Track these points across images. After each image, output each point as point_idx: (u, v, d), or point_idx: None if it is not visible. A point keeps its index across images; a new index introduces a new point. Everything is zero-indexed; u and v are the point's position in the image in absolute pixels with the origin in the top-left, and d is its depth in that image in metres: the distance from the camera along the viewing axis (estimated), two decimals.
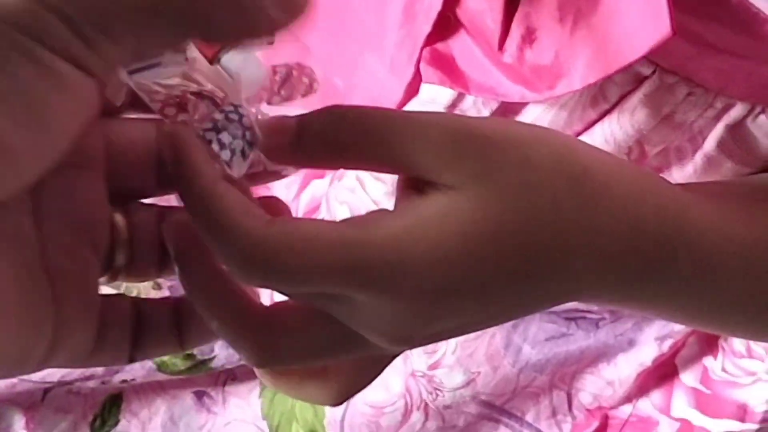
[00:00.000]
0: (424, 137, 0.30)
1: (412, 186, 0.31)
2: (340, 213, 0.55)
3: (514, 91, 0.45)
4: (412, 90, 0.47)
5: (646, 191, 0.33)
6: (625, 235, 0.32)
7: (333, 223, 0.30)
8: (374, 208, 0.35)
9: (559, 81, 0.43)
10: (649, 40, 0.40)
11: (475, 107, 0.47)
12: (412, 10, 0.46)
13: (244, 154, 0.32)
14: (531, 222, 0.30)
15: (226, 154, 0.31)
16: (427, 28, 0.46)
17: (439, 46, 0.46)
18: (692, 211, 0.34)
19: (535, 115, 0.46)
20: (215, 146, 0.31)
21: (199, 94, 0.32)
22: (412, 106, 0.48)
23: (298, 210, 0.59)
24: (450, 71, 0.46)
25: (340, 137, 0.30)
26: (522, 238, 0.30)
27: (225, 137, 0.31)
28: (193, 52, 0.31)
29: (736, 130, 0.47)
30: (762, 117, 0.46)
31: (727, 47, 0.42)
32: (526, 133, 0.31)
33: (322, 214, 0.57)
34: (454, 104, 0.47)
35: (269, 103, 0.34)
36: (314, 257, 0.29)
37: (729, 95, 0.45)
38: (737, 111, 0.46)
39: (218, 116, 0.32)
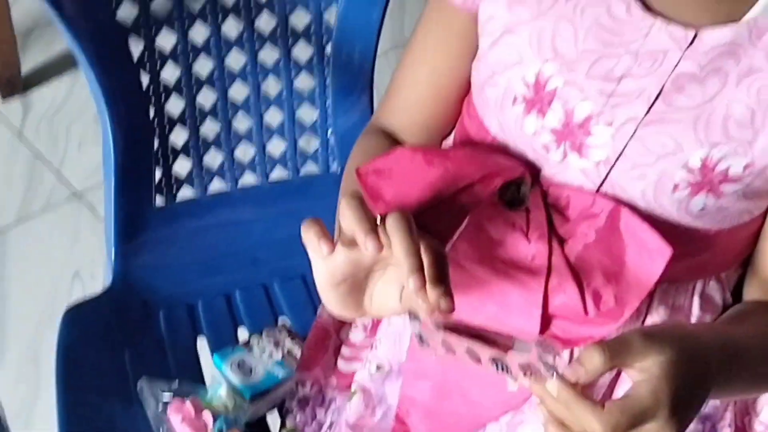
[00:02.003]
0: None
1: None
2: None
3: (605, 331, 0.75)
4: None
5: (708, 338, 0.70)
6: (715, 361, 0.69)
7: None
8: None
9: (624, 310, 0.74)
10: (662, 262, 0.73)
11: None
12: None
13: None
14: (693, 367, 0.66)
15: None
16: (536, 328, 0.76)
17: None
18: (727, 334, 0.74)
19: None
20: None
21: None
22: None
23: None
24: (560, 341, 0.75)
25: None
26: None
27: None
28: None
29: (703, 296, 0.82)
30: (711, 283, 0.82)
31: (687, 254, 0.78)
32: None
33: None
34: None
35: None
36: None
37: (693, 279, 0.82)
38: (699, 285, 0.82)
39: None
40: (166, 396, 1.00)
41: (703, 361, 0.68)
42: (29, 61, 2.13)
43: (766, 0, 0.70)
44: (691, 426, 0.83)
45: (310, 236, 0.66)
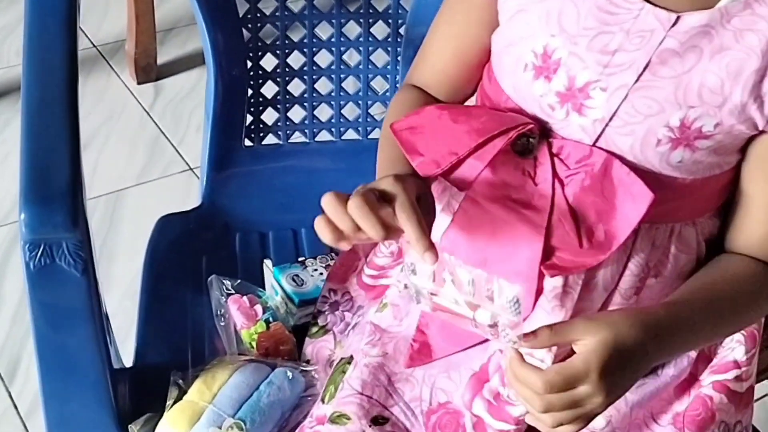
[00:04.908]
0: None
1: None
2: None
3: (596, 261, 0.91)
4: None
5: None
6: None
7: None
8: None
9: (612, 244, 0.90)
10: (645, 205, 0.88)
11: (576, 281, 0.93)
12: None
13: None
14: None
15: None
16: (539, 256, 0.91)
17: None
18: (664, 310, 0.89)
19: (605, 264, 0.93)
20: None
21: None
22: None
23: None
24: (559, 268, 0.91)
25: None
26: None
27: None
28: None
29: (680, 237, 0.95)
30: (686, 227, 0.95)
31: (666, 199, 0.91)
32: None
33: None
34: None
35: None
36: None
37: (671, 222, 0.95)
38: (676, 227, 0.95)
39: None
40: (230, 289, 1.21)
41: (633, 344, 0.84)
42: (165, 55, 2.43)
43: None
44: None
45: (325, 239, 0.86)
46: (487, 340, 0.99)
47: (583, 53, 0.91)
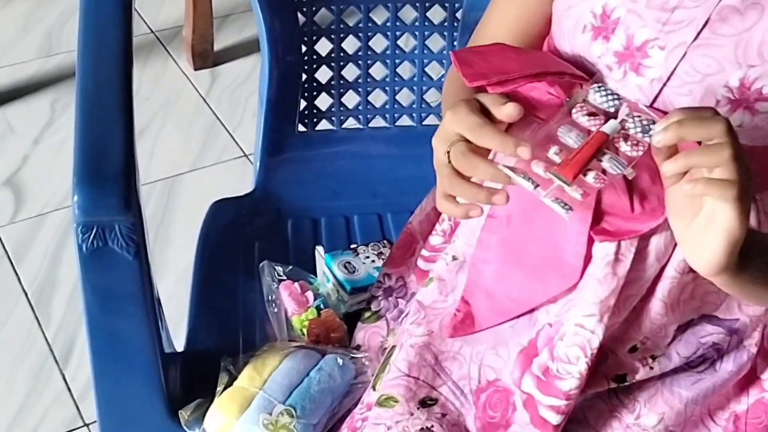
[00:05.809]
0: None
1: None
2: None
3: (647, 227, 0.88)
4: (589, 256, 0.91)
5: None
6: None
7: None
8: None
9: (665, 209, 0.84)
10: None
11: (629, 248, 0.90)
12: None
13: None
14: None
15: None
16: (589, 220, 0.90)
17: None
18: None
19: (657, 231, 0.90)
20: None
21: None
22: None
23: None
24: (609, 234, 0.88)
25: None
26: None
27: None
28: None
29: None
30: None
31: None
32: None
33: None
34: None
35: None
36: None
37: None
38: None
39: None
40: (282, 275, 1.20)
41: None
42: (222, 41, 2.44)
43: None
44: (719, 337, 0.97)
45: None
46: (533, 311, 0.97)
47: (642, 10, 0.89)
